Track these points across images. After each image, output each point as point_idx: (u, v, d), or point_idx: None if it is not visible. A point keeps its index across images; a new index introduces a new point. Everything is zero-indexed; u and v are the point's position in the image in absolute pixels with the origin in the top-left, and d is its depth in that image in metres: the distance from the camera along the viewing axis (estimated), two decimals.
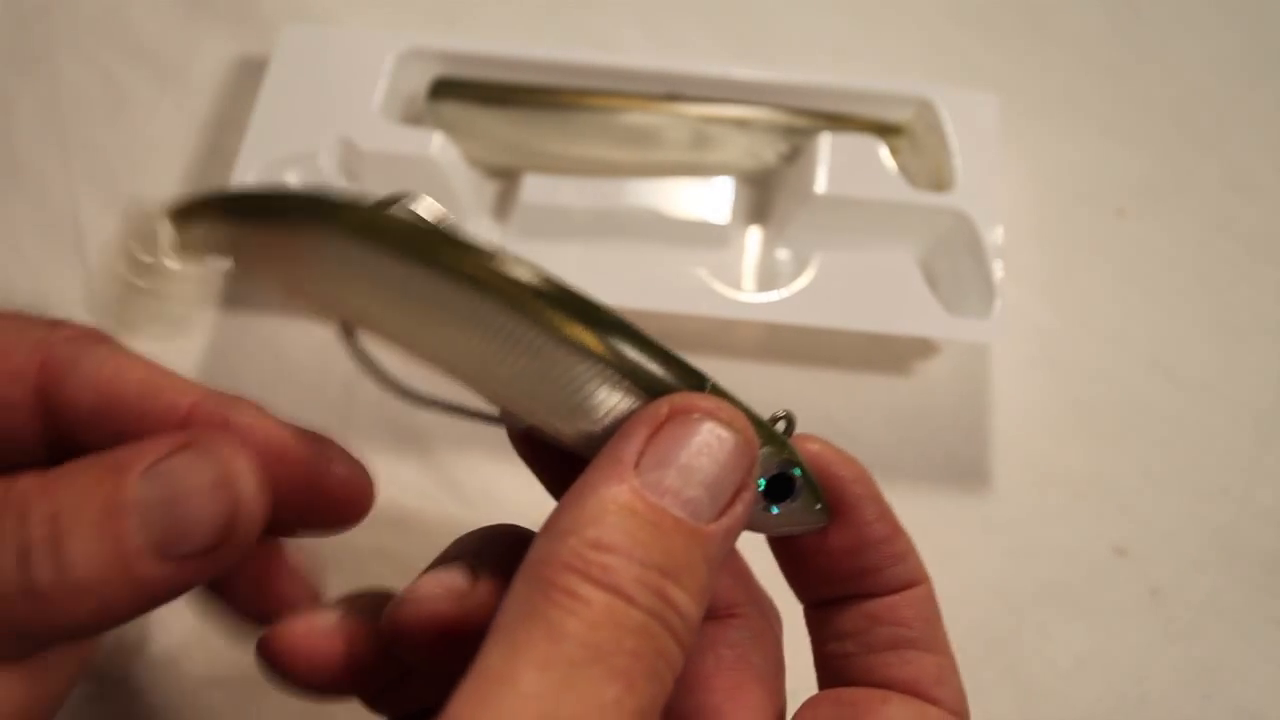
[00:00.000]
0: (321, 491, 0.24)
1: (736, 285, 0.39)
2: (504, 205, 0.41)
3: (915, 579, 0.24)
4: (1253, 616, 0.35)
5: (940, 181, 0.40)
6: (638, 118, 0.40)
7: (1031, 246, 0.42)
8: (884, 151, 0.39)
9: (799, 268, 0.38)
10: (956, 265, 0.39)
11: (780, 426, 0.23)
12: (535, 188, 0.39)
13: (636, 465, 0.20)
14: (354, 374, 0.38)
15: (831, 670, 0.25)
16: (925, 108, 0.41)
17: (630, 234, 0.39)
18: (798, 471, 0.22)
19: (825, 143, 0.39)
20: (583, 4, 0.47)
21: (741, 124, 0.40)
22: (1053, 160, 0.44)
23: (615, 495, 0.19)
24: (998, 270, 0.37)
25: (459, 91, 0.40)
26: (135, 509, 0.21)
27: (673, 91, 0.40)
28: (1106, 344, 0.40)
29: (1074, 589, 0.36)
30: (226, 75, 0.45)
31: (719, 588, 0.25)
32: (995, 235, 0.38)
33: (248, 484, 0.21)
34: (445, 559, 0.25)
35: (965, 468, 0.38)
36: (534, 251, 0.39)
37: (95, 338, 0.24)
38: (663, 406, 0.21)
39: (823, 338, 0.38)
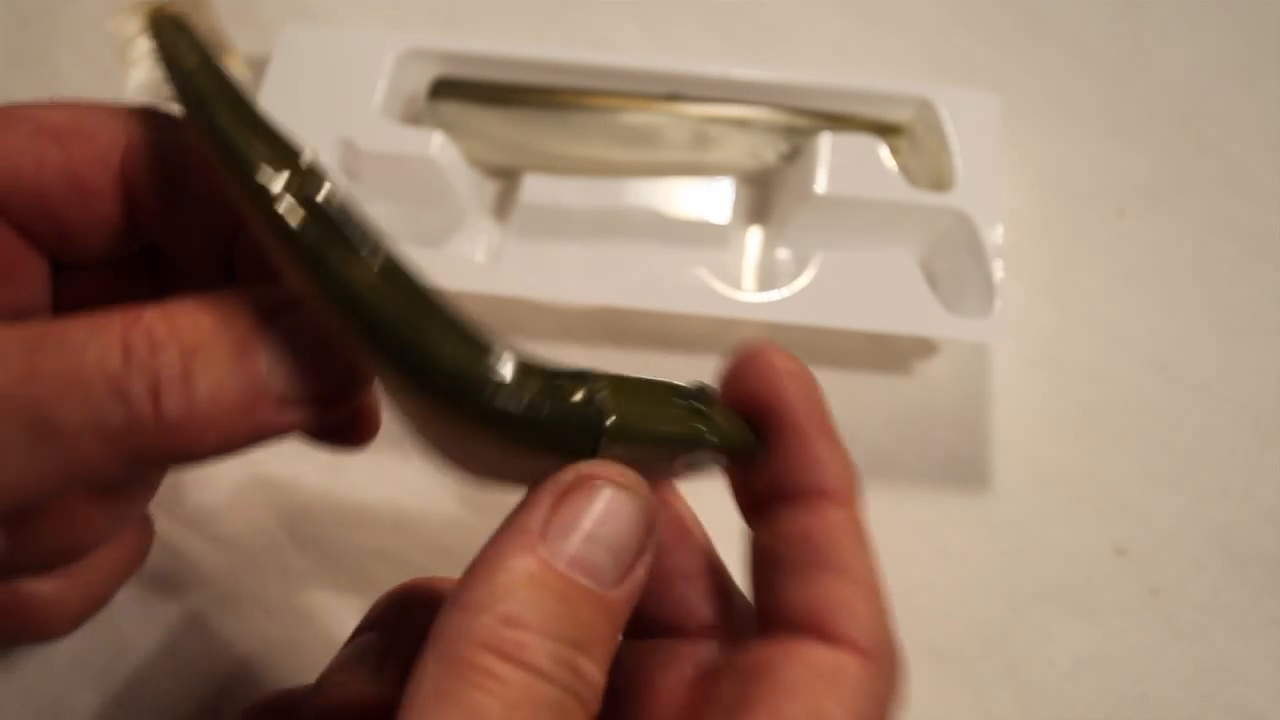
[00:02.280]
0: None
1: (737, 285, 0.39)
2: (504, 205, 0.41)
3: (828, 490, 0.23)
4: (1253, 616, 0.35)
5: (940, 181, 0.40)
6: (638, 117, 0.40)
7: (1032, 246, 0.42)
8: (884, 151, 0.39)
9: (799, 267, 0.38)
10: (956, 265, 0.39)
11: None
12: (535, 188, 0.39)
13: (543, 534, 0.20)
14: None
15: (756, 596, 0.24)
16: (925, 107, 0.41)
17: (631, 234, 0.39)
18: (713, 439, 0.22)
19: (825, 143, 0.39)
20: (583, 4, 0.47)
21: (742, 124, 0.40)
22: (1053, 160, 0.44)
23: (525, 567, 0.20)
24: (998, 270, 0.37)
25: (459, 91, 0.40)
26: (266, 351, 0.22)
27: (673, 91, 0.40)
28: (1107, 344, 0.40)
29: (1074, 589, 0.36)
30: None
31: (691, 601, 0.25)
32: (995, 235, 0.38)
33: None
34: (361, 628, 0.25)
35: (965, 468, 0.38)
36: (534, 251, 0.39)
37: (174, 123, 0.25)
38: (567, 474, 0.21)
39: (823, 337, 0.38)
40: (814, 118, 0.40)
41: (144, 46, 0.25)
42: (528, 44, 0.42)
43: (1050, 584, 0.36)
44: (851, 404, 0.39)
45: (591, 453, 0.21)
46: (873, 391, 0.39)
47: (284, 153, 0.22)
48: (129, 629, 0.33)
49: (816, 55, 0.47)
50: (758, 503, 0.24)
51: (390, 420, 0.37)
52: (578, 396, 0.22)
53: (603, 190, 0.39)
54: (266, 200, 0.21)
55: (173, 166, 0.25)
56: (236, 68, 0.26)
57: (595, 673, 0.19)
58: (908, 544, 0.36)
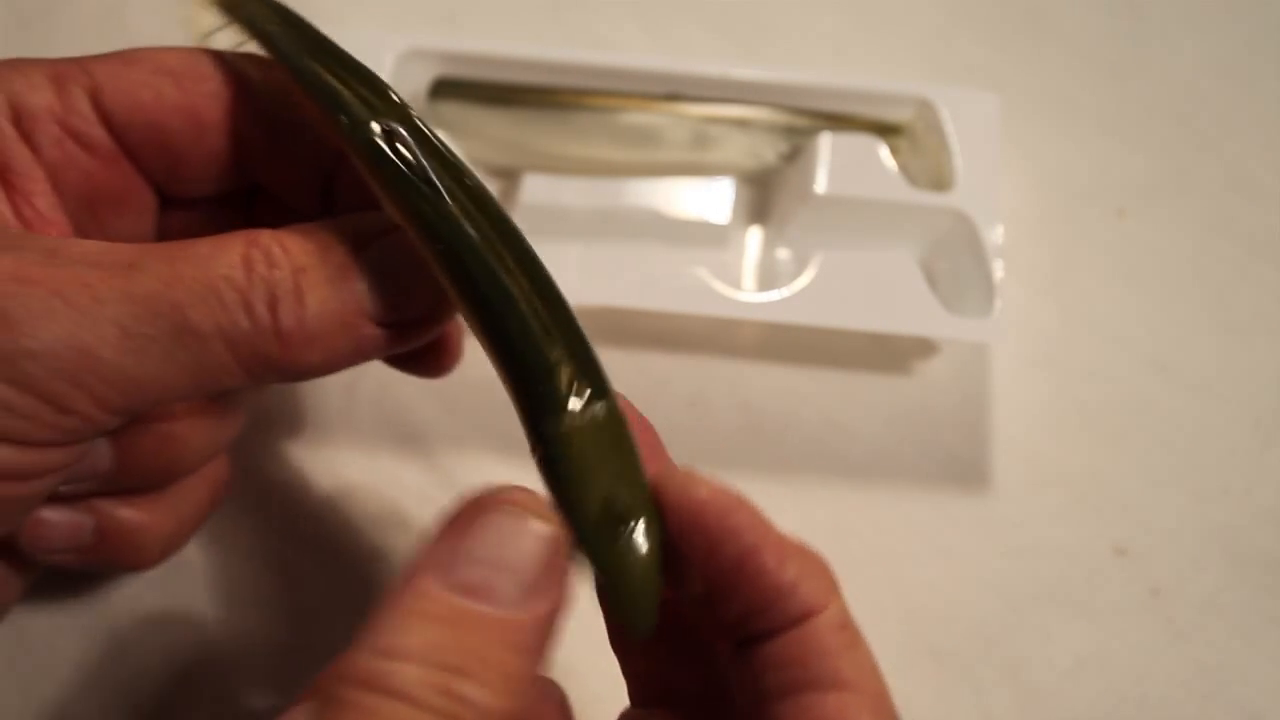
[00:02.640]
0: None
1: (737, 285, 0.39)
2: (504, 205, 0.41)
3: (811, 608, 0.22)
4: (1253, 616, 0.35)
5: (941, 181, 0.40)
6: (638, 118, 0.40)
7: (1032, 246, 0.42)
8: (884, 151, 0.39)
9: (799, 267, 0.38)
10: (957, 265, 0.39)
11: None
12: (535, 188, 0.39)
13: (433, 564, 0.20)
14: (354, 374, 0.38)
15: None
16: (925, 107, 0.41)
17: (631, 234, 0.39)
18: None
19: (825, 142, 0.39)
20: (583, 5, 0.47)
21: (742, 124, 0.40)
22: (1053, 160, 0.44)
23: (409, 600, 0.20)
24: (998, 270, 0.37)
25: (459, 91, 0.40)
26: (363, 275, 0.24)
27: (673, 91, 0.40)
28: (1107, 344, 0.40)
29: (1074, 589, 0.36)
30: None
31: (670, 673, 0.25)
32: (995, 235, 0.38)
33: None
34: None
35: (965, 468, 0.38)
36: (537, 251, 0.39)
37: (131, 65, 0.26)
38: (464, 507, 0.21)
39: (823, 337, 0.38)
40: (814, 118, 0.40)
41: (221, 33, 0.26)
42: (527, 44, 0.42)
43: (1050, 584, 0.36)
44: (851, 404, 0.39)
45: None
46: (873, 391, 0.39)
47: (374, 91, 0.24)
48: (129, 629, 0.33)
49: (816, 55, 0.47)
50: (732, 640, 0.23)
51: (391, 421, 0.37)
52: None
53: (603, 190, 0.39)
54: (363, 134, 0.23)
55: (277, 106, 0.27)
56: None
57: (485, 696, 0.19)
58: (908, 544, 0.36)
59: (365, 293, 0.24)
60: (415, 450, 0.37)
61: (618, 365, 0.39)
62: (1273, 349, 0.40)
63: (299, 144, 0.27)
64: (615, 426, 0.23)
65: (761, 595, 0.22)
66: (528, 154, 0.41)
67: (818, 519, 0.37)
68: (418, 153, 0.24)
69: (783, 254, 0.40)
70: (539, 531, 0.21)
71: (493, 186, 0.42)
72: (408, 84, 0.41)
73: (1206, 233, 0.43)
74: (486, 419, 0.37)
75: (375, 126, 0.24)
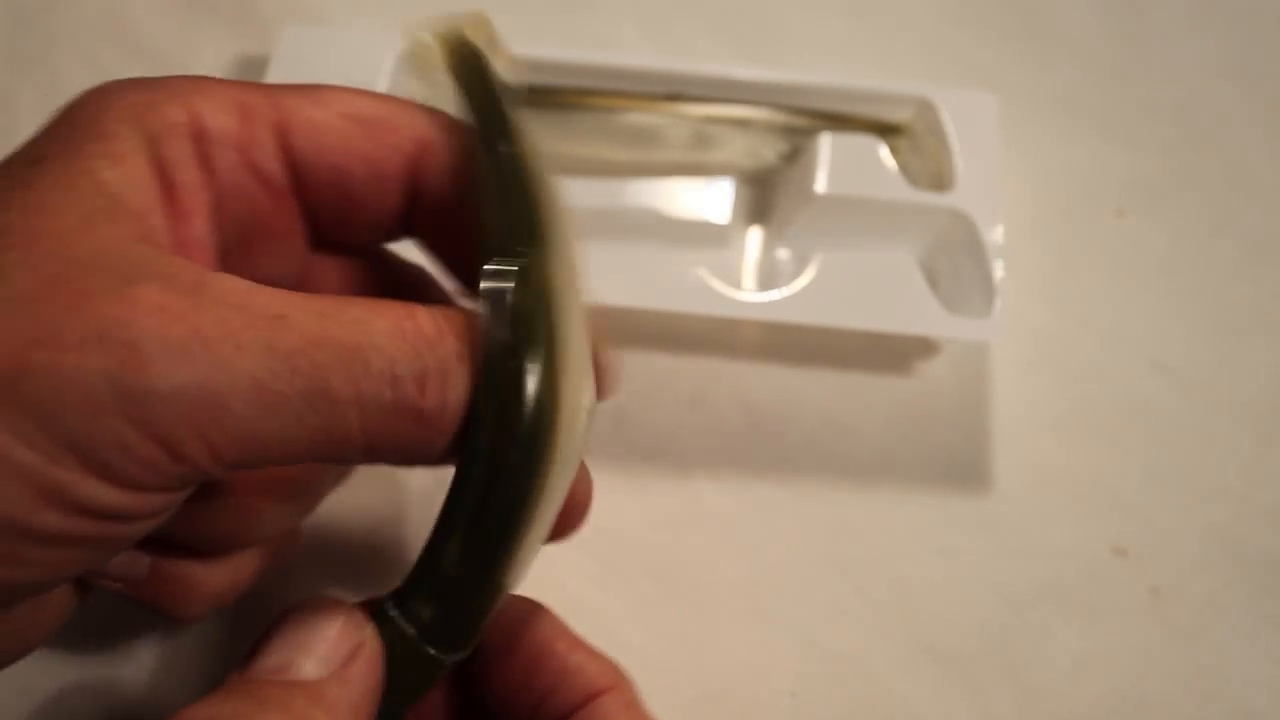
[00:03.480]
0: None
1: (737, 285, 0.39)
2: None
3: (598, 687, 0.24)
4: (1253, 616, 0.35)
5: (941, 181, 0.40)
6: (638, 118, 0.40)
7: (1031, 246, 0.42)
8: (884, 151, 0.39)
9: (799, 267, 0.38)
10: (957, 265, 0.39)
11: None
12: None
13: (241, 665, 0.21)
14: None
15: None
16: (925, 108, 0.41)
17: (631, 234, 0.39)
18: None
19: (825, 143, 0.39)
20: (583, 5, 0.47)
21: (742, 124, 0.40)
22: (1052, 160, 0.44)
23: (212, 693, 0.21)
24: (998, 270, 0.37)
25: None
26: None
27: (673, 91, 0.40)
28: (1106, 344, 0.40)
29: (1074, 589, 0.36)
30: (226, 75, 0.45)
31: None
32: (995, 235, 0.38)
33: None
34: None
35: (965, 468, 0.38)
36: None
37: (321, 101, 0.26)
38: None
39: (823, 337, 0.38)
40: (814, 118, 0.40)
41: (438, 69, 0.27)
42: (527, 44, 0.42)
43: (1050, 584, 0.36)
44: (852, 404, 0.39)
45: None
46: (873, 391, 0.39)
47: (529, 224, 0.25)
48: (130, 631, 0.33)
49: (816, 55, 0.47)
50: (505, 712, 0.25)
51: None
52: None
53: (603, 190, 0.39)
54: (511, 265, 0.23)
55: (457, 172, 0.26)
56: (505, 66, 0.28)
57: None
58: (908, 544, 0.36)
59: None
60: None
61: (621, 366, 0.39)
62: (1273, 349, 0.40)
63: (467, 216, 0.26)
64: (430, 677, 0.23)
65: (551, 677, 0.24)
66: None
67: (818, 519, 0.37)
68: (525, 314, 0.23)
69: (783, 254, 0.40)
70: (335, 616, 0.22)
71: None
72: (408, 84, 0.41)
73: (1206, 233, 0.43)
74: None
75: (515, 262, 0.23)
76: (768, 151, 0.41)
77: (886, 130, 0.40)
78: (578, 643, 0.25)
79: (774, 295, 0.37)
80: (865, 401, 0.39)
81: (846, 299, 0.37)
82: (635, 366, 0.39)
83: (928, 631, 0.35)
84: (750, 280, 0.40)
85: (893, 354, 0.39)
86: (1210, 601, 0.36)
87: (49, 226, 0.21)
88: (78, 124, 0.24)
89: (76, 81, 0.44)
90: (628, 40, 0.46)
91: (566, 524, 0.26)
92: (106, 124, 0.24)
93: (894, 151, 0.40)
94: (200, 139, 0.25)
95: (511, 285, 0.23)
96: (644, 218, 0.39)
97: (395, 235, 0.28)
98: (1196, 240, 0.43)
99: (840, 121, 0.40)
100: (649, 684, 0.32)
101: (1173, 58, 0.47)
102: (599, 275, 0.38)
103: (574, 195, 0.39)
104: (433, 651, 0.22)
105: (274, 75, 0.40)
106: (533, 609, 0.26)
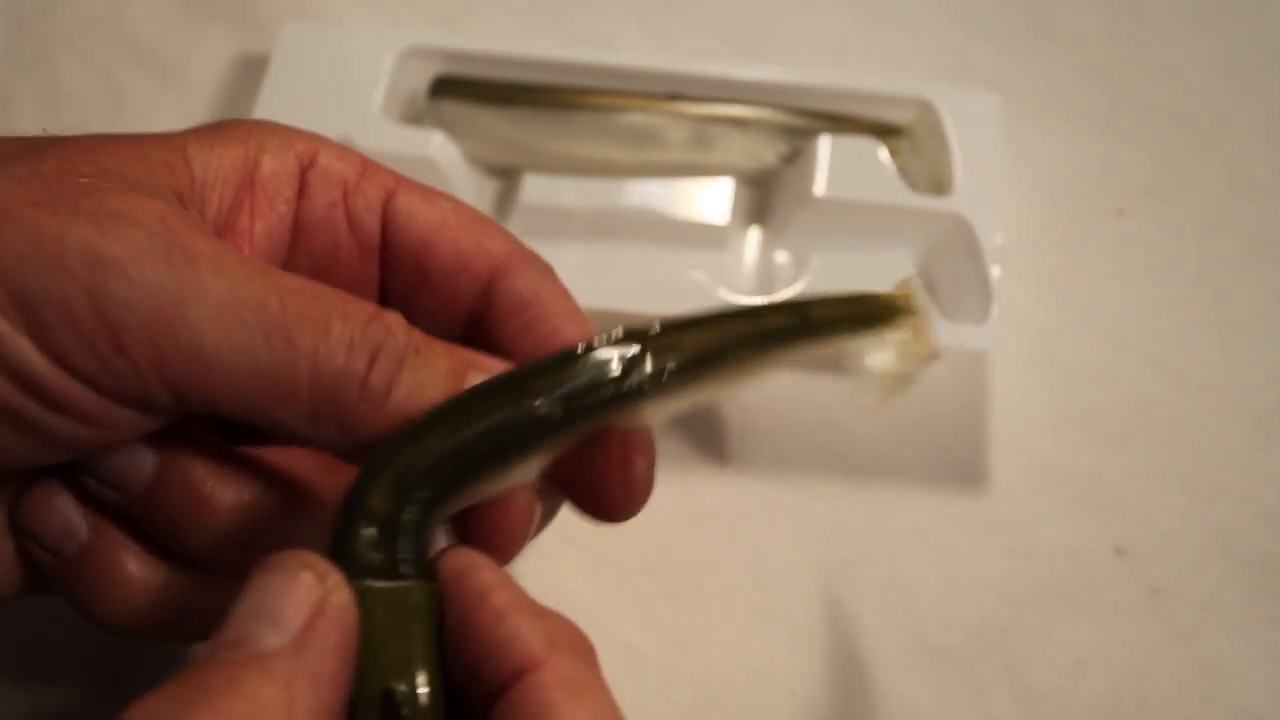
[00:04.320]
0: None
1: (735, 287, 0.39)
2: (504, 204, 0.41)
3: (528, 661, 0.20)
4: (1254, 616, 0.35)
5: (940, 185, 0.40)
6: (638, 117, 0.40)
7: (1031, 246, 0.42)
8: (883, 154, 0.39)
9: (798, 270, 0.38)
10: (955, 269, 0.38)
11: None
12: (535, 187, 0.39)
13: (213, 636, 0.20)
14: None
15: None
16: (926, 109, 0.41)
17: (630, 235, 0.39)
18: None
19: (825, 145, 0.39)
20: (583, 4, 0.47)
21: (742, 124, 0.40)
22: (1053, 160, 0.44)
23: (188, 672, 0.19)
24: (995, 275, 0.37)
25: (459, 90, 0.40)
26: (467, 381, 0.24)
27: (673, 91, 0.40)
28: (1107, 344, 0.40)
29: (1074, 589, 0.36)
30: (226, 75, 0.45)
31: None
32: (994, 240, 0.38)
33: None
34: None
35: (965, 468, 0.38)
36: (535, 251, 0.39)
37: (548, 269, 0.28)
38: None
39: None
40: (814, 119, 0.40)
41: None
42: (528, 43, 0.42)
43: (1050, 584, 0.36)
44: (850, 406, 0.39)
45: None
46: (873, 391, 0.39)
47: None
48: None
49: (817, 56, 0.47)
50: None
51: None
52: None
53: (602, 190, 0.39)
54: None
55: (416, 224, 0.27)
56: (920, 347, 0.28)
57: None
58: (908, 544, 0.36)
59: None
60: None
61: None
62: (1273, 349, 0.40)
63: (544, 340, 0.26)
64: (414, 609, 0.21)
65: (476, 653, 0.20)
66: (528, 153, 0.41)
67: (818, 519, 0.36)
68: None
69: (781, 256, 0.40)
70: (297, 575, 0.20)
71: (492, 185, 0.42)
72: (408, 82, 0.41)
73: (1206, 232, 0.43)
74: None
75: None
76: (767, 152, 0.41)
77: (887, 132, 0.40)
78: (515, 604, 0.21)
79: (768, 300, 0.37)
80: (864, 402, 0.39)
81: None
82: None
83: (928, 631, 0.35)
84: (749, 282, 0.40)
85: None
86: (1210, 601, 0.36)
87: (111, 161, 0.23)
88: (213, 125, 0.26)
89: (76, 81, 0.44)
90: (628, 39, 0.46)
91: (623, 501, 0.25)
92: (227, 127, 0.27)
93: (894, 153, 0.40)
94: (310, 169, 0.27)
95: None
96: (643, 217, 0.39)
97: (455, 334, 0.28)
98: (1196, 240, 0.43)
99: (841, 123, 0.40)
100: (649, 684, 0.33)
101: (1173, 58, 0.47)
102: (597, 277, 0.38)
103: (574, 195, 0.39)
104: (409, 578, 0.21)
105: (274, 74, 0.40)
106: (466, 564, 0.22)
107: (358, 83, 0.40)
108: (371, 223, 0.27)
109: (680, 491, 0.37)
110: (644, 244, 0.39)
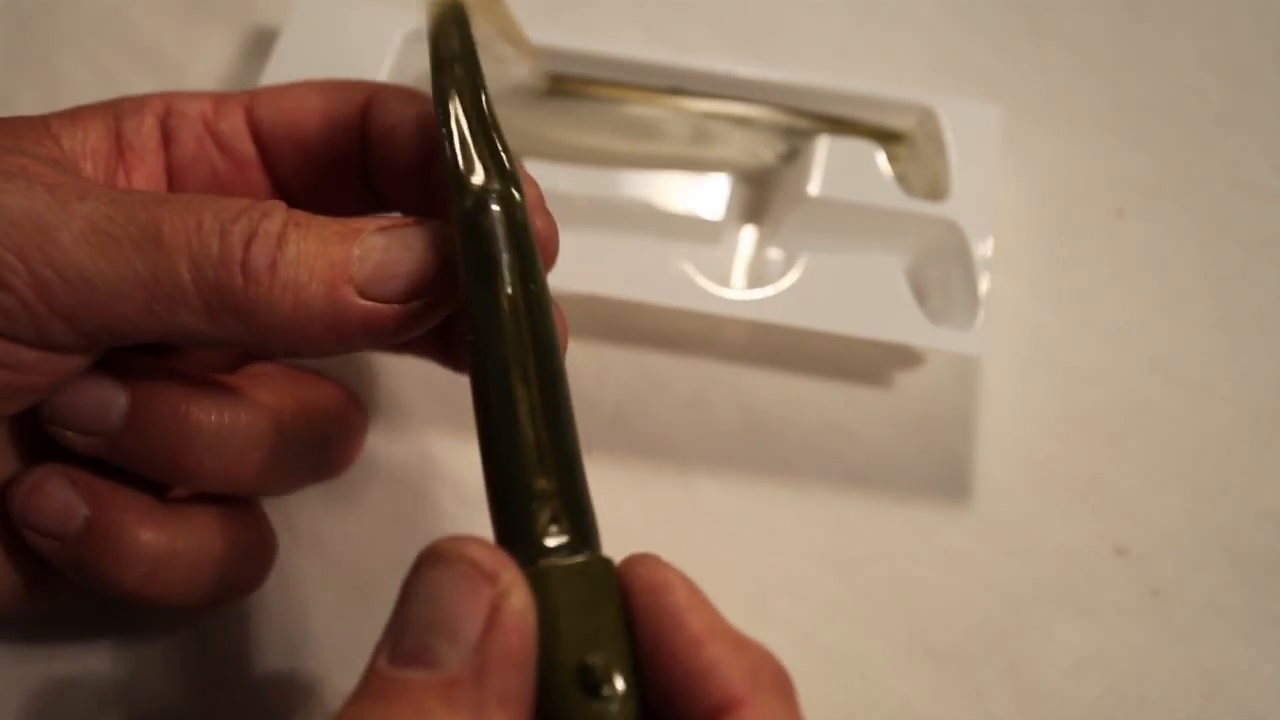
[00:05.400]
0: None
1: (726, 282, 0.39)
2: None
3: (728, 699, 0.19)
4: (1254, 616, 0.35)
5: (936, 191, 0.40)
6: (639, 110, 0.40)
7: (1031, 246, 0.42)
8: (881, 158, 0.40)
9: (789, 269, 0.38)
10: (946, 275, 0.39)
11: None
12: (533, 173, 0.39)
13: (386, 638, 0.19)
14: (358, 371, 0.38)
15: None
16: (927, 116, 0.41)
17: (625, 225, 0.39)
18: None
19: (823, 146, 0.39)
20: (584, 4, 0.47)
21: (743, 122, 0.40)
22: (1052, 160, 0.44)
23: (363, 683, 0.19)
24: (984, 283, 0.37)
25: None
26: (359, 243, 0.24)
27: (676, 86, 0.41)
28: (1106, 344, 0.40)
29: (1074, 589, 0.36)
30: (226, 75, 0.45)
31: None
32: (985, 247, 0.37)
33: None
34: None
35: (966, 468, 0.38)
36: None
37: (416, 95, 0.28)
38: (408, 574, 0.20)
39: (812, 342, 0.38)
40: (816, 120, 0.41)
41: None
42: (531, 32, 0.42)
43: (1050, 584, 0.36)
44: (852, 405, 0.39)
45: None
46: (873, 393, 0.39)
47: (493, 156, 0.25)
48: (129, 632, 0.33)
49: (817, 56, 0.47)
50: None
51: (392, 418, 0.37)
52: None
53: (599, 180, 0.39)
54: (458, 192, 0.24)
55: (420, 132, 0.27)
56: (529, 67, 0.30)
57: None
58: (908, 543, 0.36)
59: (357, 260, 0.24)
60: (416, 448, 0.37)
61: (618, 364, 0.39)
62: (1273, 349, 0.40)
63: (436, 182, 0.27)
64: (599, 583, 0.21)
65: (671, 678, 0.20)
66: (527, 139, 0.41)
67: (818, 519, 0.36)
68: (497, 232, 0.24)
69: (774, 254, 0.40)
70: (469, 575, 0.19)
71: None
72: (414, 64, 0.41)
73: (1206, 232, 0.43)
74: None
75: (475, 184, 0.24)
76: (767, 151, 0.41)
77: (888, 137, 0.41)
78: (715, 629, 0.20)
79: (754, 295, 0.37)
80: (866, 402, 0.39)
81: (828, 303, 0.37)
82: (634, 366, 0.39)
83: (928, 631, 0.35)
84: (740, 279, 0.40)
85: (893, 354, 0.39)
86: (1210, 601, 0.36)
87: None
88: (71, 108, 0.27)
89: (76, 82, 0.44)
90: (629, 39, 0.46)
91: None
92: (85, 106, 0.27)
93: (893, 159, 0.40)
94: (170, 115, 0.27)
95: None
96: (639, 210, 0.39)
97: (366, 201, 0.29)
98: (1196, 240, 0.43)
99: (842, 126, 0.40)
100: None
101: (1173, 58, 0.47)
102: (588, 264, 0.38)
103: (571, 183, 0.39)
104: (585, 555, 0.21)
105: (283, 46, 0.40)
106: (660, 579, 0.21)
107: (364, 60, 0.40)
108: (241, 142, 0.28)
109: (680, 492, 0.37)
110: (638, 234, 0.39)
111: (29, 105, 0.43)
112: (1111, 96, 0.46)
